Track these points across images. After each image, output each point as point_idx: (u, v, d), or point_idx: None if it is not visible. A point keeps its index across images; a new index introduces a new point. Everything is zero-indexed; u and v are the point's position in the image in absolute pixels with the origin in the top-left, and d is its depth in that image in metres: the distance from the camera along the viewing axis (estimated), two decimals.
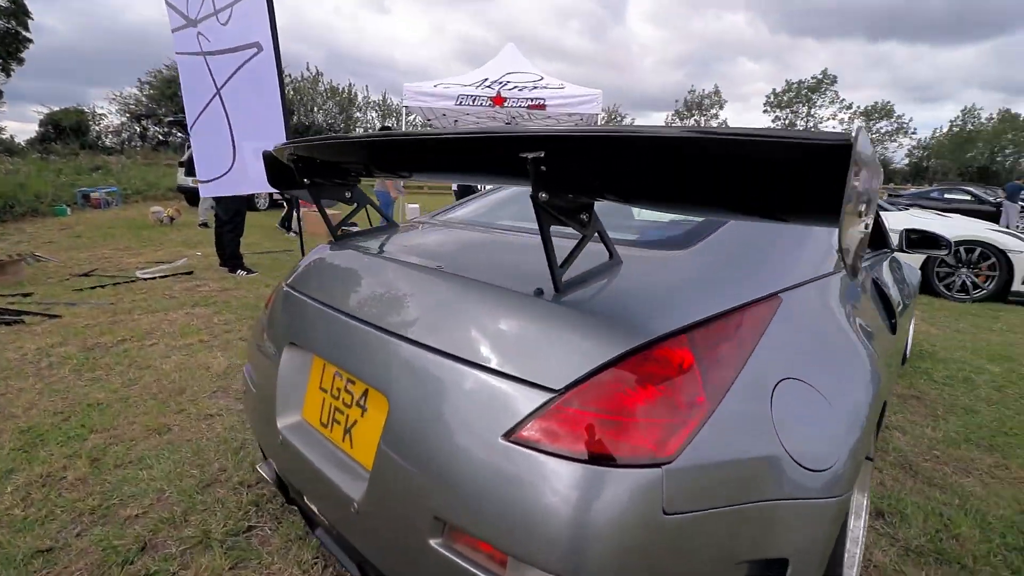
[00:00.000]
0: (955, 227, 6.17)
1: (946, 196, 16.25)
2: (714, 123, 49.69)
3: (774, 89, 51.88)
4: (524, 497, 0.84)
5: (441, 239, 1.66)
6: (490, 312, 1.06)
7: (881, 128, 46.87)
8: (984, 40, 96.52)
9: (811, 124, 48.84)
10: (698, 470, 0.84)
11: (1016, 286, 5.81)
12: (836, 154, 0.61)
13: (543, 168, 0.87)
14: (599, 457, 0.83)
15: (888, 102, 47.12)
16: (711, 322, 0.98)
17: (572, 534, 0.80)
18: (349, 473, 1.15)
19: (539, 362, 0.94)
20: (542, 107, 7.76)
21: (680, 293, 1.07)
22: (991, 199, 15.59)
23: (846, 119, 48.00)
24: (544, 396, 0.89)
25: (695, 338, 0.94)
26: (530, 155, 0.86)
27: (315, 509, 1.27)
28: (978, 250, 5.91)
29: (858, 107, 48.00)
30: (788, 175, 0.69)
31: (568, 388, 0.88)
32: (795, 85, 49.25)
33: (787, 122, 48.87)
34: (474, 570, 0.89)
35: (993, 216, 13.26)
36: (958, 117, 47.08)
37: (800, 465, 0.94)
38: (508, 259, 1.37)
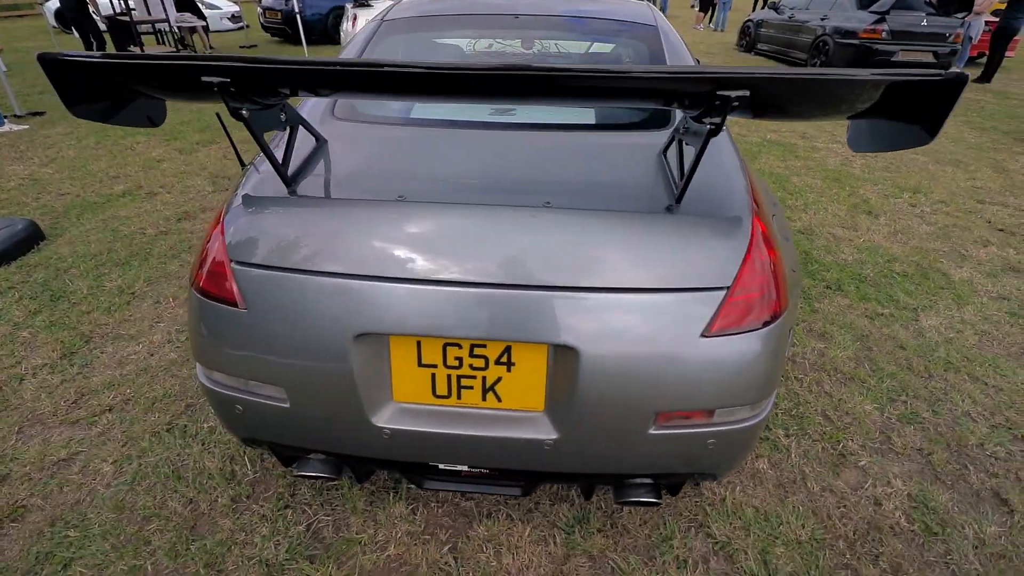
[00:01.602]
0: None
1: None
2: None
3: None
4: (729, 368, 1.12)
5: (442, 156, 1.38)
6: (632, 239, 1.12)
7: None
8: None
9: None
10: (791, 302, 1.25)
11: None
12: (953, 84, 0.90)
13: (735, 104, 0.92)
14: (766, 320, 1.14)
15: None
16: (752, 195, 1.29)
17: (761, 374, 1.15)
18: (510, 423, 1.18)
19: (701, 269, 1.11)
20: None
21: (722, 176, 1.32)
22: None
23: None
24: (720, 295, 1.11)
25: (756, 210, 1.25)
26: (734, 93, 0.89)
27: (465, 468, 1.27)
28: None
29: None
30: (921, 99, 0.96)
31: (734, 282, 1.11)
32: None
33: None
34: (687, 432, 1.17)
35: None
36: None
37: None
38: (572, 173, 1.30)
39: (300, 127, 1.36)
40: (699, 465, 1.25)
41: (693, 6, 15.68)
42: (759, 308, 1.14)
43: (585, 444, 1.18)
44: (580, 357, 1.09)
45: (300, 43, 10.77)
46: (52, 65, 0.99)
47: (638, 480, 1.31)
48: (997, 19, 7.79)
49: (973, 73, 8.54)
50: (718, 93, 0.90)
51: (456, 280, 1.10)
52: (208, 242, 1.26)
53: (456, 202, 1.17)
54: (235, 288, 1.17)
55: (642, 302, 1.09)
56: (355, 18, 6.55)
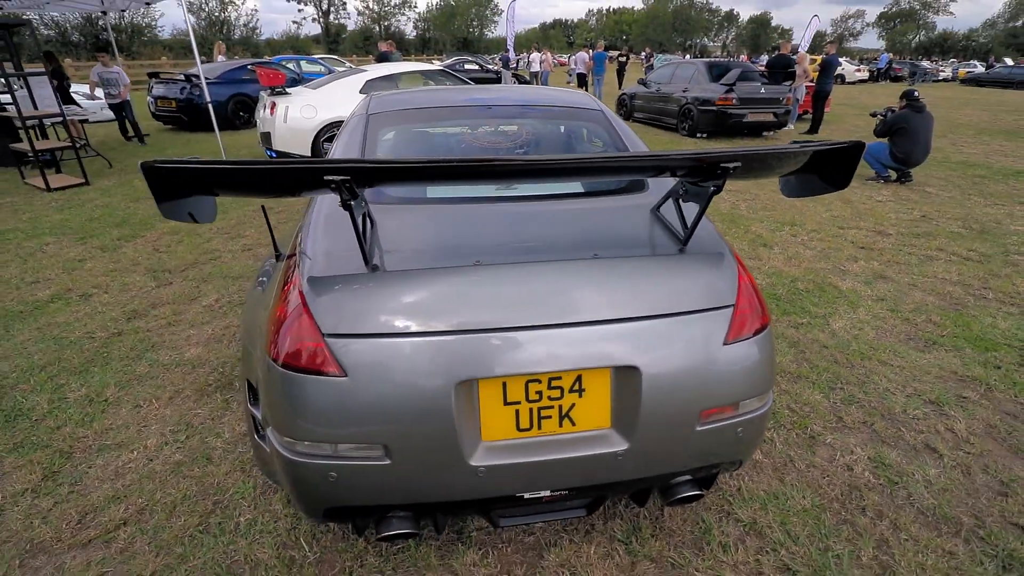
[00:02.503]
0: None
1: (466, 67, 20.78)
2: None
3: None
4: (745, 367, 1.44)
5: (483, 226, 1.63)
6: (662, 276, 1.44)
7: (390, 0, 51.76)
8: None
9: None
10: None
11: None
12: (854, 149, 1.36)
13: (731, 172, 1.29)
14: (758, 328, 1.49)
15: None
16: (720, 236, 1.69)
17: (765, 370, 1.48)
18: (584, 443, 1.39)
19: (712, 293, 1.45)
20: None
21: (700, 223, 1.70)
22: (492, 67, 20.86)
23: None
24: (729, 311, 1.44)
25: (730, 246, 1.64)
26: (731, 165, 1.27)
27: (544, 495, 1.43)
28: None
29: None
30: (835, 160, 1.40)
31: (736, 300, 1.46)
32: None
33: None
34: (723, 424, 1.45)
35: (497, 81, 18.05)
36: None
37: None
38: (585, 227, 1.62)
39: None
40: (732, 453, 1.53)
41: (569, 82, 17.67)
42: (753, 319, 1.49)
43: (649, 448, 1.41)
44: (641, 374, 1.35)
45: (196, 131, 10.67)
46: (156, 172, 1.11)
47: (680, 479, 1.55)
48: (815, 84, 9.82)
49: (804, 127, 10.56)
50: (721, 165, 1.27)
51: (534, 324, 1.33)
52: (282, 324, 1.36)
53: (523, 261, 1.41)
54: (333, 359, 1.29)
55: (679, 323, 1.39)
56: (273, 105, 6.67)
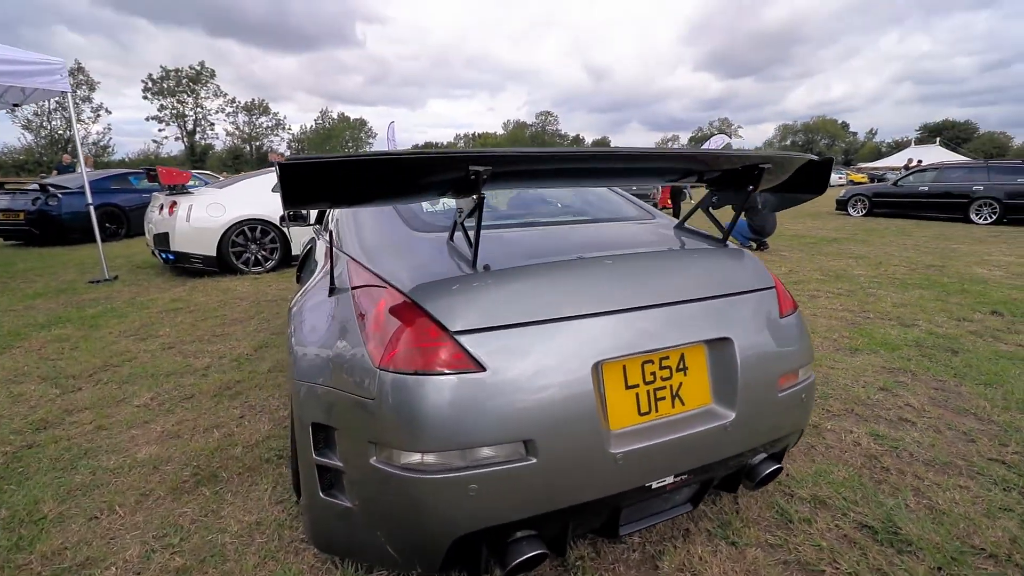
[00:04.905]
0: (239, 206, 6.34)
1: None
2: None
3: (151, 75, 47.61)
4: (799, 337, 1.67)
5: (559, 238, 1.82)
6: (720, 263, 1.66)
7: (263, 123, 52.41)
8: (300, 53, 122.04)
9: (200, 115, 48.36)
10: None
11: (295, 252, 6.45)
12: (824, 163, 1.78)
13: (767, 171, 1.61)
14: (794, 307, 1.76)
15: (264, 100, 53.08)
16: None
17: (808, 340, 1.72)
18: (696, 420, 1.47)
19: (758, 277, 1.70)
20: None
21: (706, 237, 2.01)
22: None
23: (231, 111, 50.63)
24: (774, 291, 1.70)
25: None
26: (764, 165, 1.58)
27: (668, 480, 1.43)
28: (259, 227, 6.41)
29: (240, 102, 51.50)
30: (809, 173, 1.80)
31: (775, 284, 1.72)
32: (173, 73, 46.94)
33: (175, 112, 46.42)
34: (793, 390, 1.62)
35: None
36: (319, 116, 59.06)
37: None
38: (631, 236, 1.83)
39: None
40: (800, 419, 1.69)
41: None
42: (786, 299, 1.76)
43: (750, 416, 1.51)
44: (735, 344, 1.50)
45: (48, 245, 9.45)
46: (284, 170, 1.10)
47: (758, 459, 1.66)
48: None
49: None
50: (759, 166, 1.58)
51: (640, 305, 1.44)
52: (391, 333, 1.30)
53: (615, 253, 1.55)
54: (467, 355, 1.25)
55: (746, 299, 1.61)
56: (173, 204, 6.20)
